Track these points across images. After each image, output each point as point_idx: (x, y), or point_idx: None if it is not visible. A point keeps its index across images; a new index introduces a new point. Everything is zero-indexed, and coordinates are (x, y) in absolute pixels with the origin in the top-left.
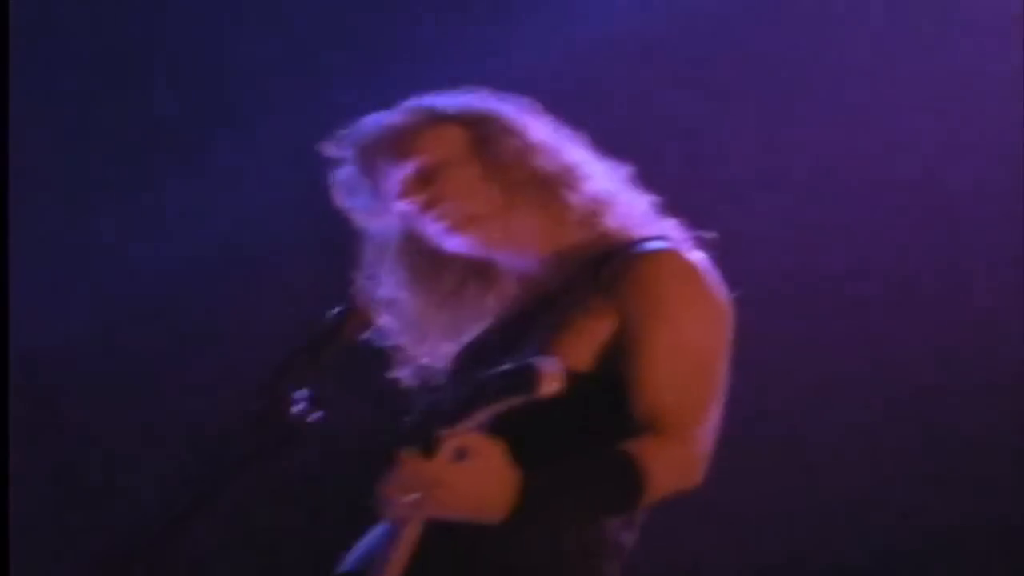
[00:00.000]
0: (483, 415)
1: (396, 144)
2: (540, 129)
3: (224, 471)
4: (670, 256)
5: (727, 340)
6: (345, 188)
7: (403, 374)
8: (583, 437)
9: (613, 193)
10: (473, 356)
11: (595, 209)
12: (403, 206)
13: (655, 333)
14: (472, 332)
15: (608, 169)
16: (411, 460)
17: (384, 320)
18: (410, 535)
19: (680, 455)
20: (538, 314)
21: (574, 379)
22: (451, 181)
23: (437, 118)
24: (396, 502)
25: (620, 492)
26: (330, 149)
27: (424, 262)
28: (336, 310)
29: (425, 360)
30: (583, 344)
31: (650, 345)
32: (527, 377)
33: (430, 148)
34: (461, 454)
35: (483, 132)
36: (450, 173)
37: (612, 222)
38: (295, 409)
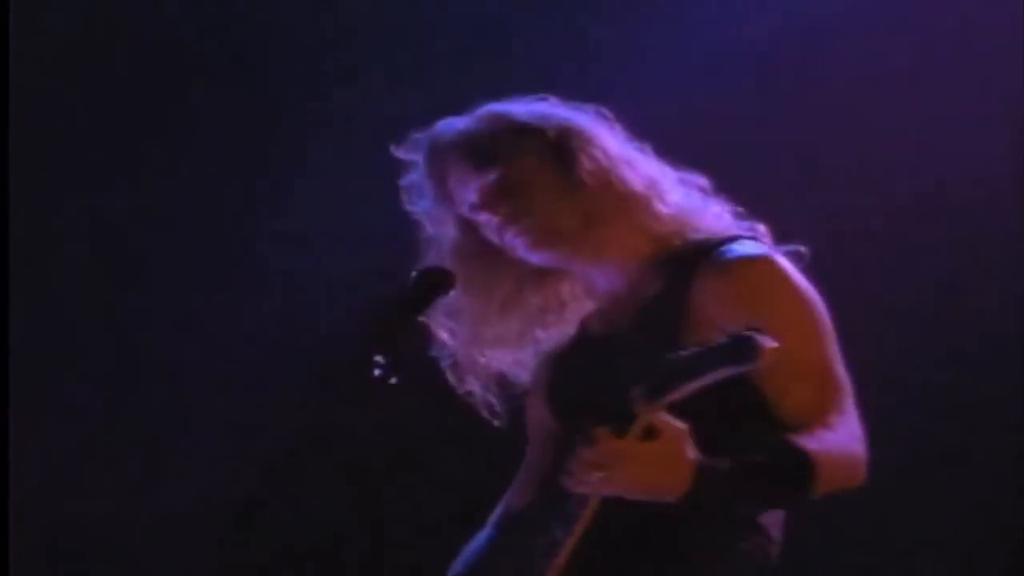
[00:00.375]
0: (696, 385)
1: (474, 152)
2: (616, 140)
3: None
4: (755, 261)
5: (832, 333)
6: (414, 192)
7: (471, 385)
8: (741, 431)
9: (697, 202)
10: (601, 364)
11: (683, 219)
12: (482, 218)
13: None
14: (542, 341)
15: (685, 179)
16: (605, 438)
17: (442, 328)
18: (587, 515)
19: (838, 444)
20: (642, 322)
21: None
22: (534, 194)
23: (516, 128)
24: (585, 478)
25: (793, 485)
26: (402, 152)
27: (481, 267)
28: (416, 272)
29: (485, 367)
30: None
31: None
32: (749, 347)
33: (511, 159)
34: (651, 432)
35: (564, 144)
36: (533, 186)
37: (700, 231)
38: (374, 373)
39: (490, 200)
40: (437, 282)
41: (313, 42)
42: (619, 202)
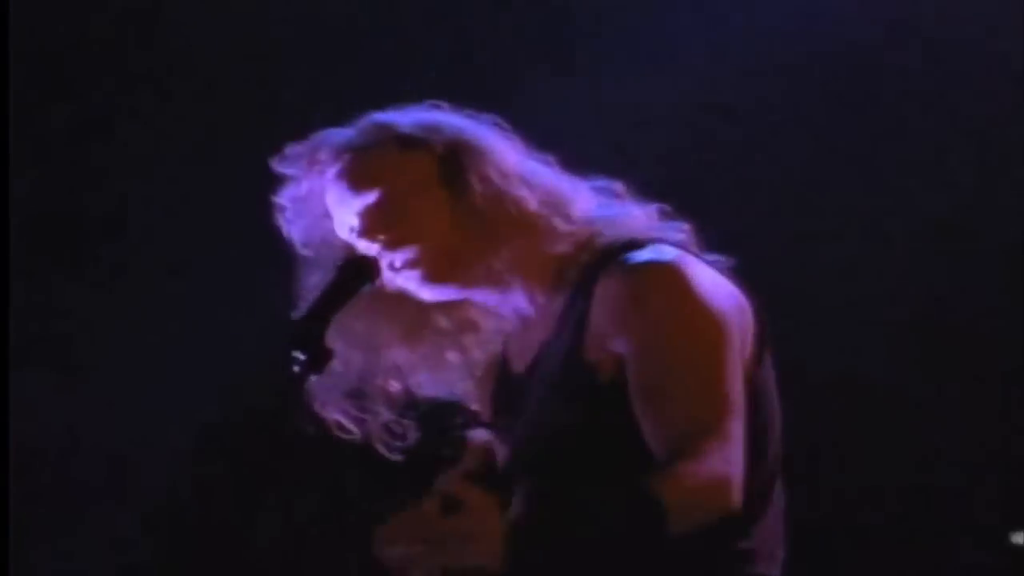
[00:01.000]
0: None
1: (353, 169)
2: (512, 154)
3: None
4: (648, 268)
5: (730, 348)
6: (292, 209)
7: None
8: (613, 463)
9: (615, 209)
10: (505, 400)
11: (593, 230)
12: (361, 244)
13: (642, 351)
14: (461, 363)
15: (601, 187)
16: (403, 516)
17: (339, 358)
18: None
19: (698, 475)
20: (550, 347)
21: (600, 403)
22: (420, 216)
23: (401, 140)
24: (389, 556)
25: (635, 524)
26: (278, 165)
27: (376, 292)
28: (340, 263)
29: (387, 392)
30: (599, 366)
31: (640, 365)
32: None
33: (393, 177)
34: (453, 505)
35: (453, 160)
36: (419, 206)
37: (609, 238)
38: (293, 369)
39: (369, 226)
40: (360, 271)
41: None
42: (514, 223)
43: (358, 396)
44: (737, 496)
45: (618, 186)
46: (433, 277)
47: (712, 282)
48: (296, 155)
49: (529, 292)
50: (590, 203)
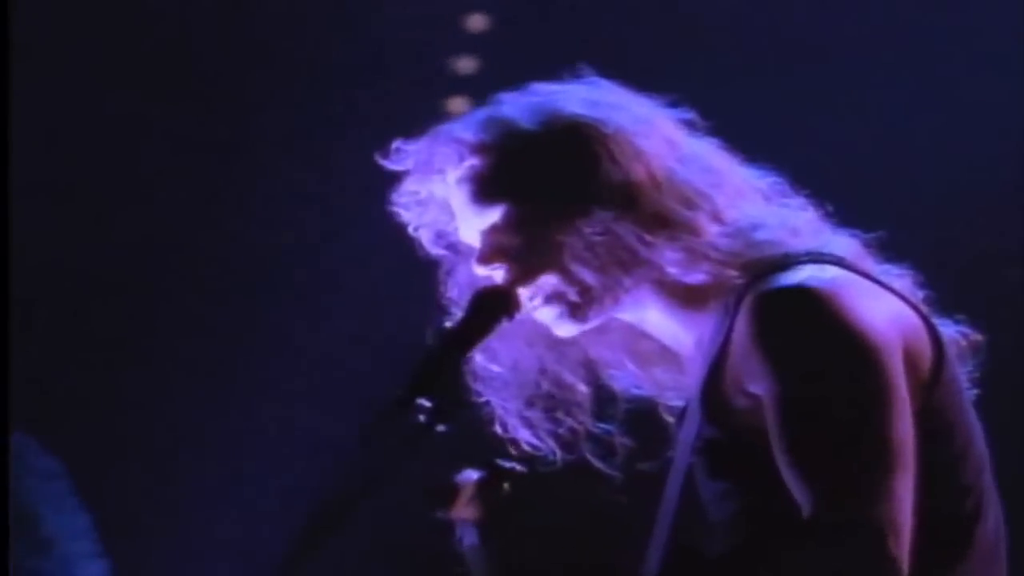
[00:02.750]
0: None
1: (473, 177)
2: (665, 138)
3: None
4: (787, 295)
5: (891, 386)
6: (410, 213)
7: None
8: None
9: (766, 213)
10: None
11: (743, 240)
12: (483, 272)
13: (780, 395)
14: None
15: (752, 177)
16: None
17: (506, 357)
18: None
19: (844, 538)
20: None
21: (734, 455)
22: (546, 241)
23: (523, 139)
24: None
25: None
26: (390, 163)
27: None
28: (474, 295)
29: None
30: (735, 411)
31: (777, 413)
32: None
33: (514, 189)
34: None
35: (589, 156)
36: (545, 229)
37: (760, 248)
38: (418, 418)
39: (492, 252)
40: (497, 305)
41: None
42: (661, 231)
43: (543, 406)
44: (901, 554)
45: (774, 179)
46: (566, 315)
47: (871, 306)
48: (410, 153)
49: (679, 319)
50: (748, 201)
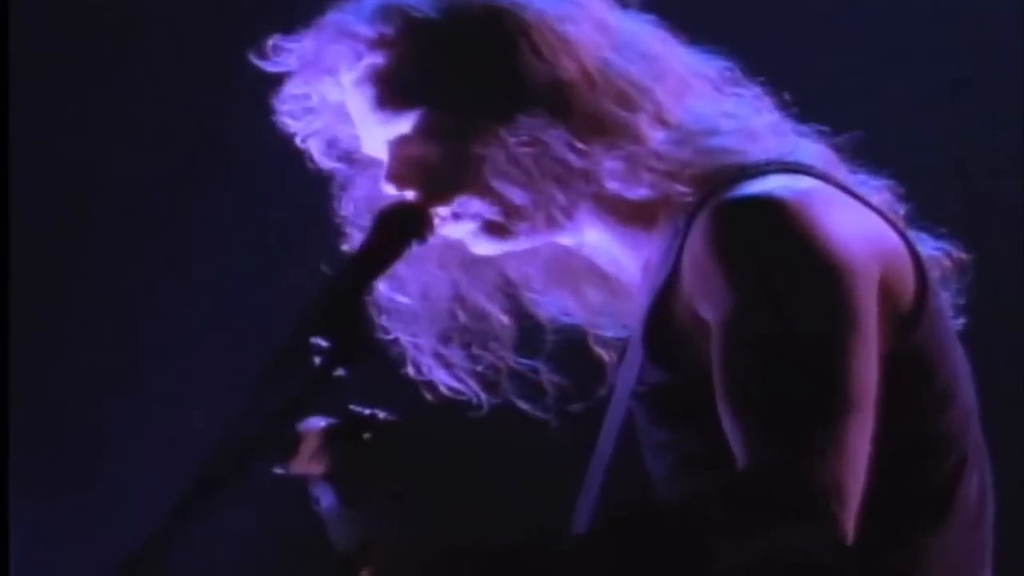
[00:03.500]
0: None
1: (373, 78)
2: (596, 21)
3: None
4: (748, 207)
5: (858, 317)
6: (297, 119)
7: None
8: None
9: (713, 110)
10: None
11: (691, 146)
12: (394, 191)
13: (728, 321)
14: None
15: (699, 63)
16: None
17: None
18: None
19: (774, 493)
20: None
21: (674, 387)
22: (464, 154)
23: (428, 30)
24: None
25: (659, 554)
26: (268, 61)
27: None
28: (377, 215)
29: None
30: (682, 337)
31: (723, 339)
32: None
33: (426, 92)
34: None
35: (506, 50)
36: (461, 140)
37: (713, 156)
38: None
39: (403, 170)
40: (405, 225)
41: None
42: (596, 133)
43: (460, 341)
44: (843, 515)
45: (733, 71)
46: (487, 231)
47: (846, 224)
48: (293, 50)
49: (621, 237)
50: (702, 105)
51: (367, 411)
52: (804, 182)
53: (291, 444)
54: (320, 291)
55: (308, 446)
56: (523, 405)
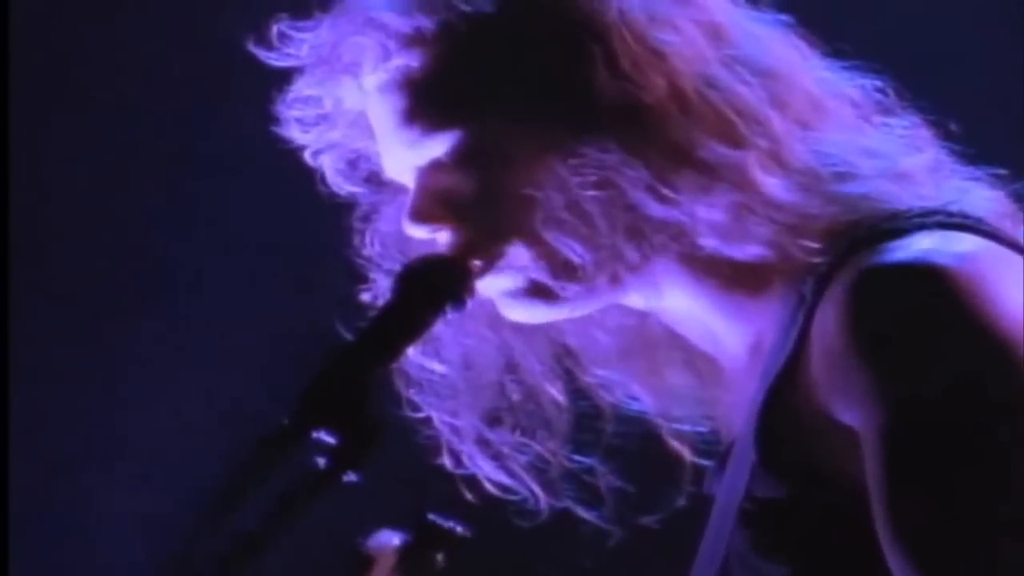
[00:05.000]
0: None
1: (401, 91)
2: (704, 25)
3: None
4: (899, 277)
5: None
6: (307, 129)
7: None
8: None
9: (850, 145)
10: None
11: (821, 193)
12: (419, 233)
13: (886, 431)
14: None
15: (837, 82)
16: None
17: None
18: None
19: None
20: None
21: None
22: (511, 192)
23: (479, 25)
24: None
25: None
26: (272, 54)
27: None
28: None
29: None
30: (798, 443)
31: (883, 455)
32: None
33: (470, 106)
34: None
35: (576, 59)
36: (508, 173)
37: (851, 205)
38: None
39: (428, 207)
40: (439, 287)
41: None
42: (689, 180)
43: (512, 423)
44: None
45: (887, 93)
46: (543, 296)
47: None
48: (305, 41)
49: (710, 310)
50: (836, 139)
51: (445, 523)
52: (967, 242)
53: (361, 566)
54: (327, 366)
55: (382, 569)
56: (581, 512)
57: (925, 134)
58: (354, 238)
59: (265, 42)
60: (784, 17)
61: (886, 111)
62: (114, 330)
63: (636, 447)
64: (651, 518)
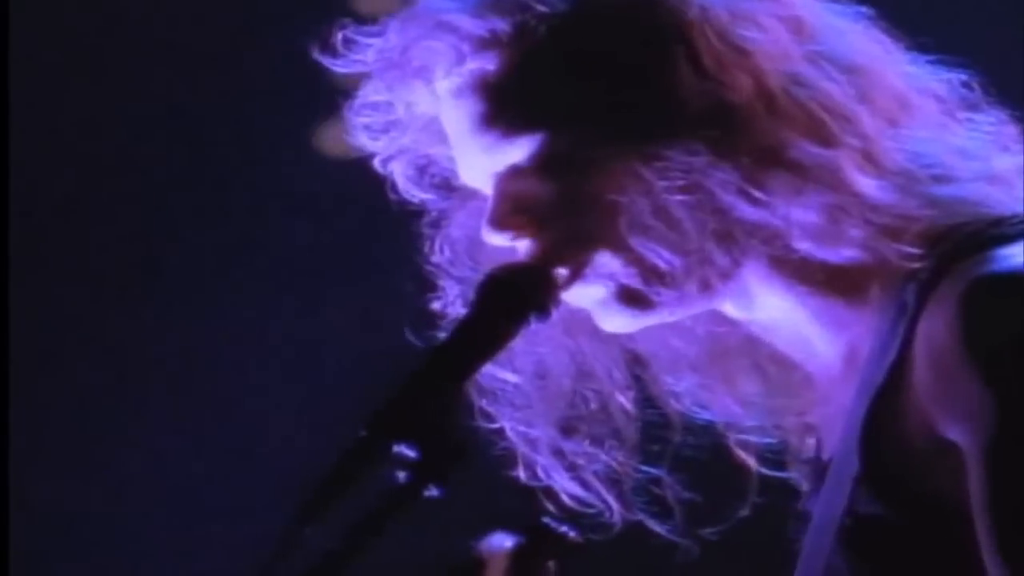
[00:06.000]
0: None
1: (477, 94)
2: (788, 21)
3: None
4: (1011, 285)
5: None
6: (379, 136)
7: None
8: None
9: (942, 145)
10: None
11: (918, 194)
12: (499, 240)
13: (996, 447)
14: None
15: (923, 77)
16: None
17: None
18: None
19: None
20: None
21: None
22: (594, 198)
23: (557, 27)
24: None
25: None
26: (336, 60)
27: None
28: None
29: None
30: (903, 459)
31: (991, 472)
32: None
33: (550, 110)
34: None
35: (659, 58)
36: (590, 179)
37: (949, 209)
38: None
39: (508, 214)
40: (521, 297)
41: None
42: (783, 181)
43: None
44: None
45: (974, 88)
46: (633, 302)
47: None
48: (372, 46)
49: (805, 316)
50: (926, 137)
51: (561, 528)
52: None
53: (473, 568)
54: (406, 379)
55: (494, 572)
56: (653, 525)
57: (1012, 131)
58: (423, 244)
59: (329, 48)
60: (866, 10)
61: (972, 107)
62: (129, 329)
63: (705, 457)
64: (714, 530)
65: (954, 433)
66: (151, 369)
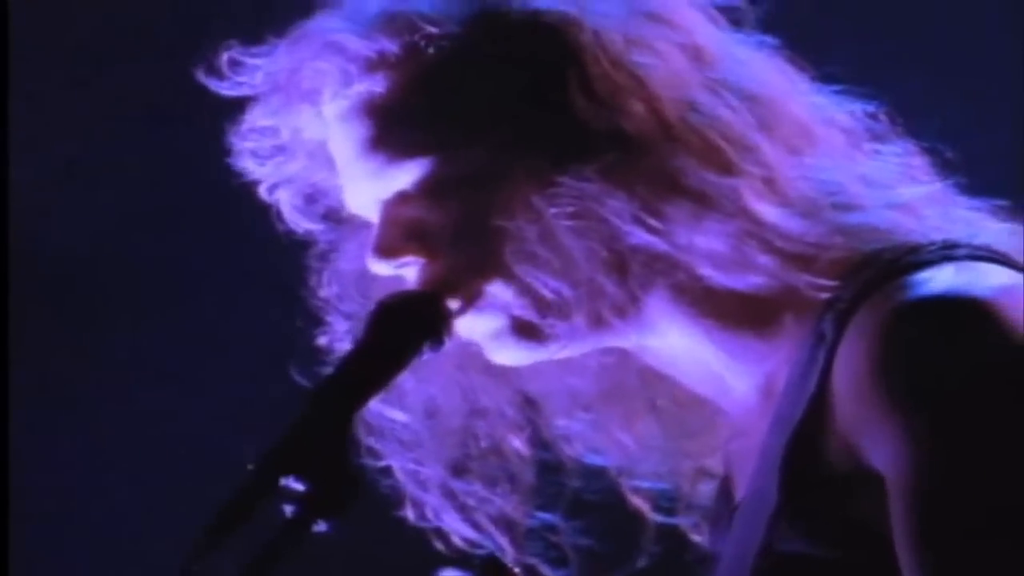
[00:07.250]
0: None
1: (364, 118)
2: (686, 46)
3: None
4: (932, 311)
5: None
6: (262, 162)
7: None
8: None
9: (855, 176)
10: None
11: (826, 221)
12: (384, 269)
13: (916, 473)
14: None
15: (843, 116)
16: None
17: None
18: None
19: None
20: (772, 438)
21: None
22: (483, 224)
23: (447, 48)
24: None
25: None
26: (224, 83)
27: None
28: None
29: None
30: (824, 494)
31: (911, 498)
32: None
33: (437, 134)
34: None
35: (550, 83)
36: (480, 205)
37: (859, 237)
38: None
39: (394, 241)
40: (414, 326)
41: None
42: (678, 205)
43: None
44: None
45: (879, 118)
46: (523, 331)
47: None
48: (260, 67)
49: (712, 349)
50: (828, 166)
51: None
52: (1001, 275)
53: None
54: (297, 412)
55: None
56: (546, 572)
57: (920, 162)
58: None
59: (215, 71)
60: (770, 40)
61: (878, 138)
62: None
63: (602, 502)
64: None
65: (876, 461)
66: (151, 369)
